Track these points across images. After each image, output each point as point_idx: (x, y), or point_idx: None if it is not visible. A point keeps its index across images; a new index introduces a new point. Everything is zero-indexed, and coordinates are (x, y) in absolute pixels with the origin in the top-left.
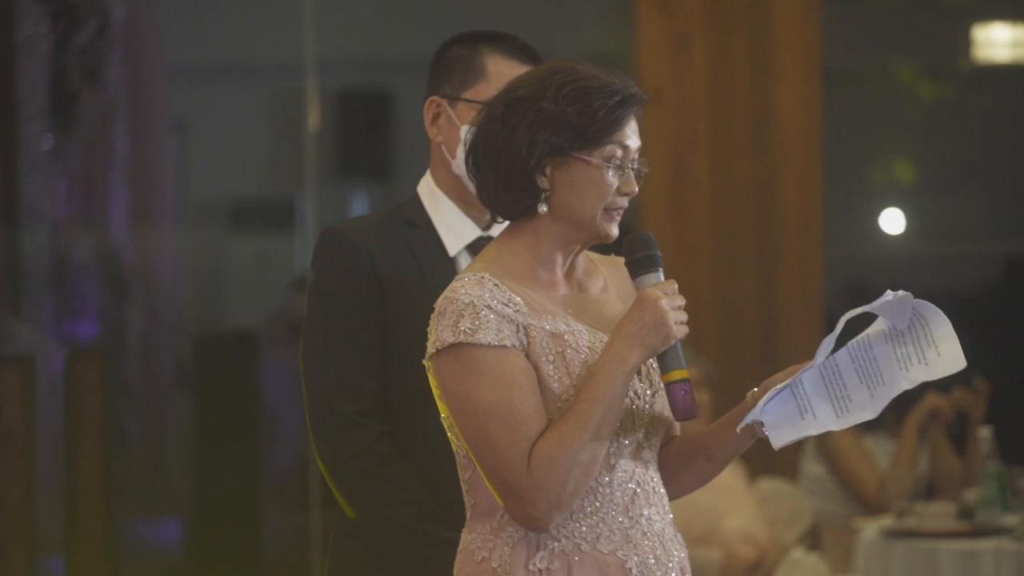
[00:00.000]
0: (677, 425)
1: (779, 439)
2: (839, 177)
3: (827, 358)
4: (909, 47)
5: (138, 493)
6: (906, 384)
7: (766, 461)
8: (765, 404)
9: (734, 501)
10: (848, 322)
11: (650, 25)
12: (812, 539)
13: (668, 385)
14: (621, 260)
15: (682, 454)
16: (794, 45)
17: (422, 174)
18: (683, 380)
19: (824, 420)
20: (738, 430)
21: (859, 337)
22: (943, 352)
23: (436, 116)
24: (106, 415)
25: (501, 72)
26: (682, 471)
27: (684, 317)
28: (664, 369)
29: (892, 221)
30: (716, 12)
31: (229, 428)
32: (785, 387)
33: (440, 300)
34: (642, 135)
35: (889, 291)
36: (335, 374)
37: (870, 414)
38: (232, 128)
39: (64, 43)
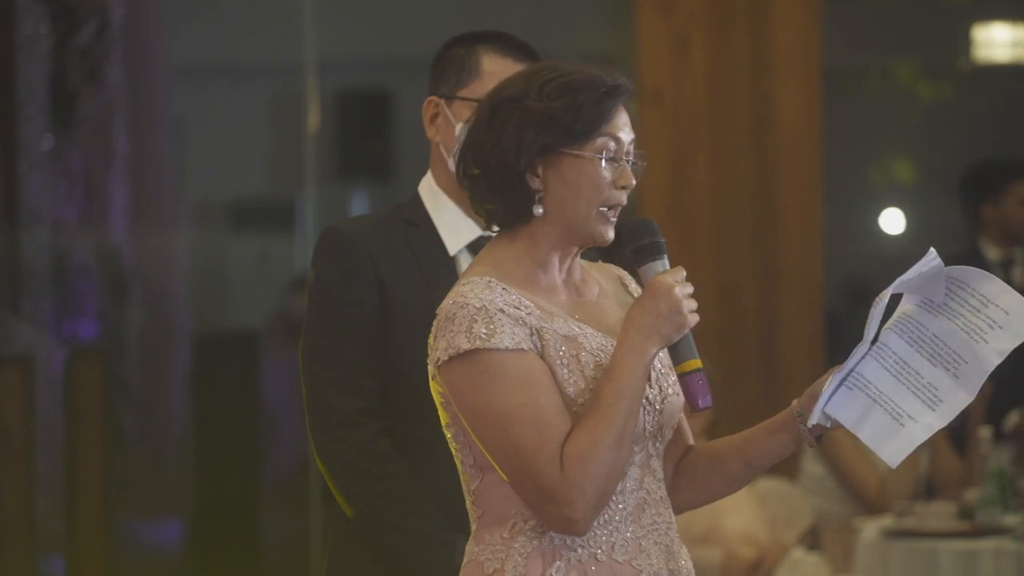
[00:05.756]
0: (690, 434)
1: (893, 456)
2: (839, 177)
3: (875, 346)
4: (909, 47)
5: (138, 493)
6: (996, 358)
7: None
8: (826, 402)
9: (734, 501)
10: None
11: (650, 25)
12: (812, 539)
13: (682, 376)
14: (609, 267)
15: (712, 461)
16: (794, 45)
17: (422, 174)
18: (697, 370)
19: (924, 420)
20: (809, 425)
21: (898, 319)
22: (1009, 307)
23: (434, 116)
24: (106, 415)
25: (496, 70)
26: (712, 477)
27: (695, 305)
28: (677, 360)
29: (892, 221)
30: (716, 12)
31: (229, 428)
32: (841, 382)
33: (447, 305)
34: (642, 135)
35: (933, 250)
36: (334, 372)
37: (966, 397)
38: (232, 128)
39: (64, 43)
